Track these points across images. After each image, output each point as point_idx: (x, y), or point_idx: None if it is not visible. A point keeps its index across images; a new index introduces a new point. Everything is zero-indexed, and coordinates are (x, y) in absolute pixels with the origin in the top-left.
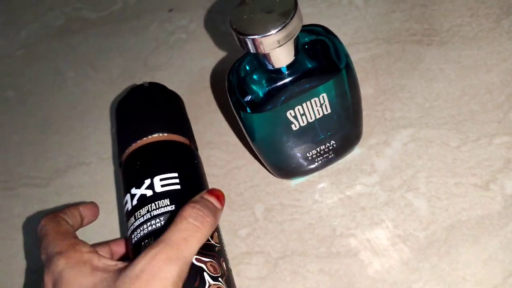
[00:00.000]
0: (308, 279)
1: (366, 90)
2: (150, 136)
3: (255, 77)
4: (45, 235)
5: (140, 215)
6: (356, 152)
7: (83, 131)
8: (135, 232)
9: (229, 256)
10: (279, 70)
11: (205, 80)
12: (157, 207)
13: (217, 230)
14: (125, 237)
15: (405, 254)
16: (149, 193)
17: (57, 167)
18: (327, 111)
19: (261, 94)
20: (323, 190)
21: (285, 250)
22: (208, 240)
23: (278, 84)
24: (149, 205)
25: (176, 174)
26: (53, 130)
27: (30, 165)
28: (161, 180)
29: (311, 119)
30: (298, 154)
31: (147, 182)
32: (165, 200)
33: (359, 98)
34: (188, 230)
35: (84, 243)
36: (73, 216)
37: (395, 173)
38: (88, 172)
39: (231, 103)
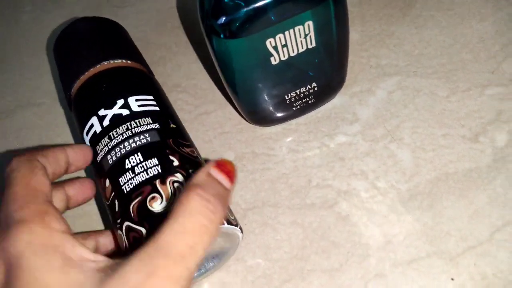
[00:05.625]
0: (279, 232)
1: (351, 36)
2: (112, 61)
3: None
4: (10, 184)
5: (117, 133)
6: (338, 99)
7: (37, 69)
8: (113, 152)
9: None
10: None
11: (175, 19)
12: (139, 124)
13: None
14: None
15: (385, 206)
16: (125, 112)
17: (5, 107)
18: (311, 44)
19: (237, 17)
20: (299, 139)
21: (256, 200)
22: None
23: (258, 4)
24: (128, 123)
25: (151, 97)
26: (3, 67)
27: None
28: (136, 100)
29: (293, 52)
30: (276, 95)
31: (120, 102)
32: (147, 118)
33: (346, 36)
34: (195, 233)
35: (56, 212)
36: (55, 161)
37: (378, 122)
38: (39, 113)
39: (202, 27)
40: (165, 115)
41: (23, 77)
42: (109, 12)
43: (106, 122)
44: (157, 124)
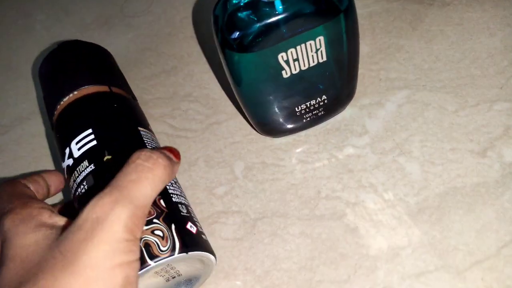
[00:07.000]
0: (288, 242)
1: (361, 48)
2: (62, 101)
3: (244, 11)
4: None
5: (71, 187)
6: (347, 112)
7: None
8: (74, 200)
9: (204, 215)
10: (272, 4)
11: (188, 29)
12: (79, 172)
13: None
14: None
15: (394, 219)
16: (70, 162)
17: (19, 114)
18: (322, 58)
19: (250, 31)
20: (309, 150)
21: (265, 210)
22: None
23: (270, 20)
24: (73, 175)
25: (90, 131)
26: (17, 75)
27: None
28: (76, 143)
29: (304, 66)
30: (286, 107)
31: (67, 152)
32: (84, 162)
33: (356, 50)
34: (138, 171)
35: (38, 200)
36: (35, 182)
37: (387, 135)
38: None
39: (216, 41)
40: (101, 147)
41: (37, 85)
42: (121, 22)
43: (66, 175)
44: (92, 164)
